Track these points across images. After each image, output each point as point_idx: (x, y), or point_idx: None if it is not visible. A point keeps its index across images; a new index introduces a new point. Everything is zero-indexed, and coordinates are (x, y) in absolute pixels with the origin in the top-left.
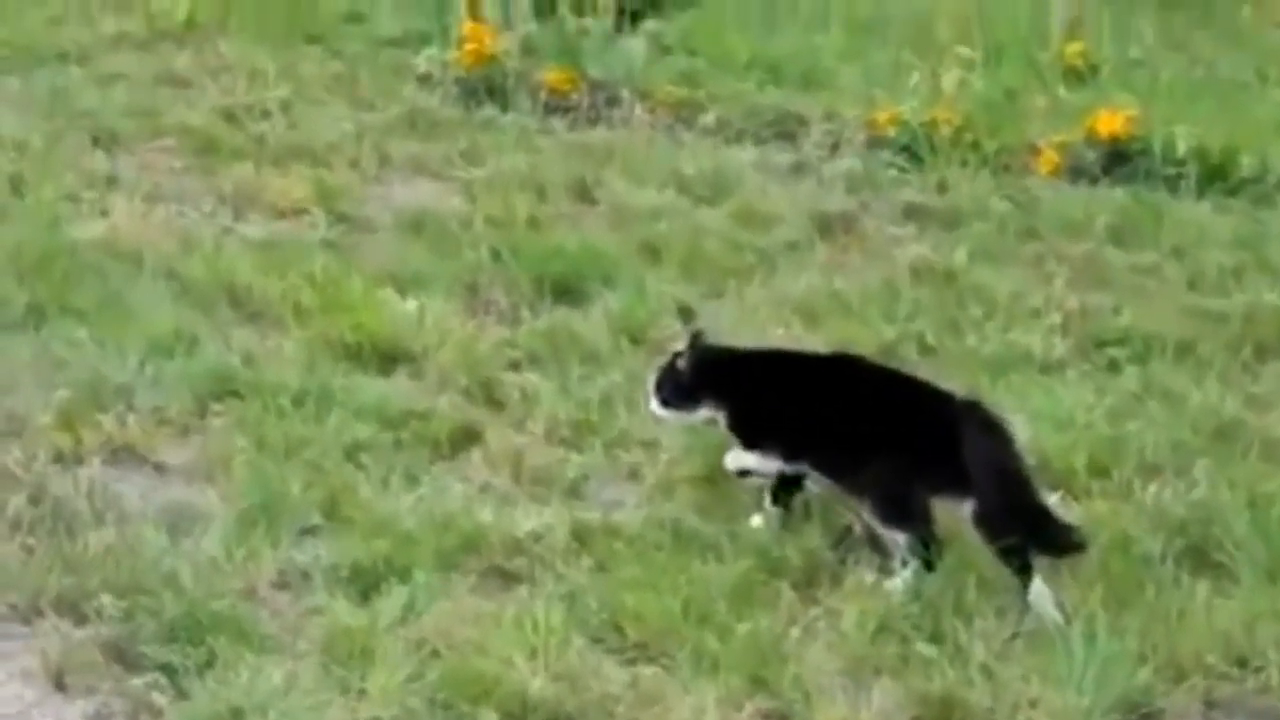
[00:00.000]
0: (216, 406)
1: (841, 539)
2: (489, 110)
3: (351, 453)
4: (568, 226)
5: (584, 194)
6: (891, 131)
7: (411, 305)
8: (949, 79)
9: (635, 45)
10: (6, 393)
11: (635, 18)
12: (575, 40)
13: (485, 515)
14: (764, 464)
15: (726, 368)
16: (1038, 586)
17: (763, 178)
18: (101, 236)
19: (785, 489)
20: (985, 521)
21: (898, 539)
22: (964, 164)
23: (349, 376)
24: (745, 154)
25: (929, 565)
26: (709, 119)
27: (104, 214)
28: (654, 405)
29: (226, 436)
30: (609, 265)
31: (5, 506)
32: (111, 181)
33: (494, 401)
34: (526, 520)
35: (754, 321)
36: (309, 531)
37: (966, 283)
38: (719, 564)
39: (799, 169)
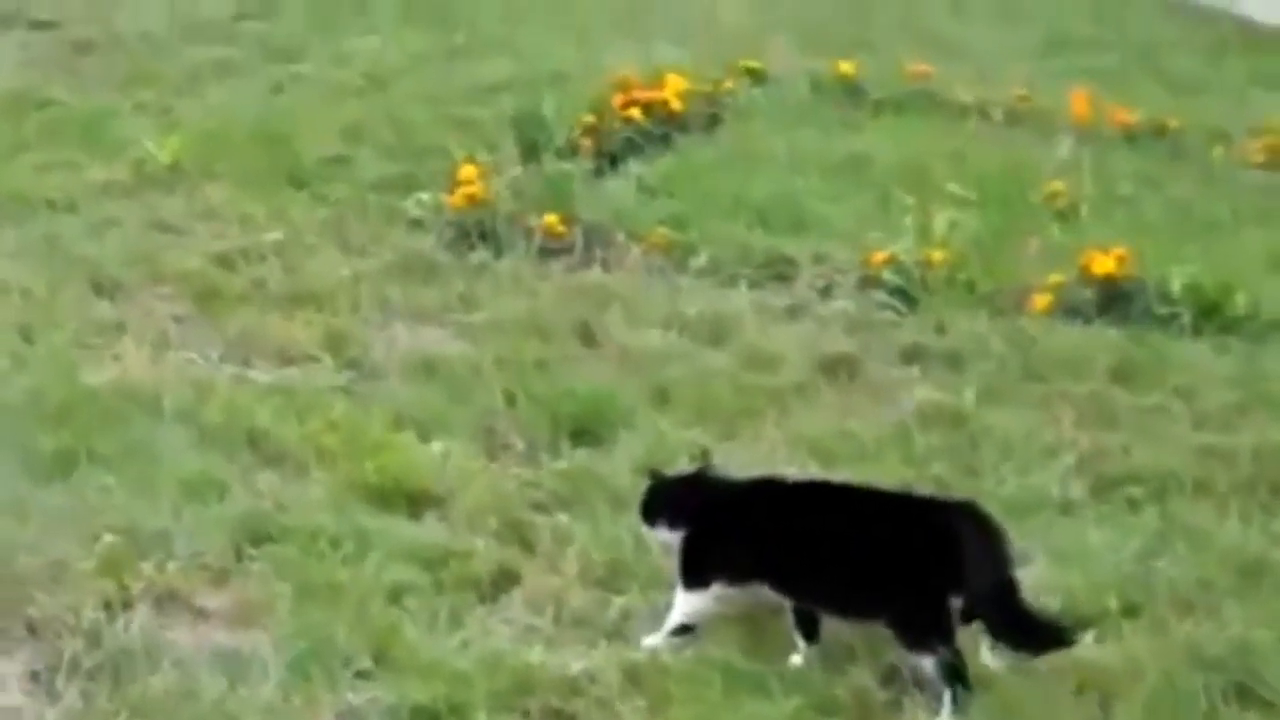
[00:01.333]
0: (252, 551)
1: (892, 676)
2: (482, 253)
3: (394, 595)
4: (575, 369)
5: (587, 337)
6: (884, 272)
7: (436, 448)
8: (941, 219)
9: (620, 188)
10: (44, 540)
11: (614, 161)
12: (560, 183)
13: (535, 656)
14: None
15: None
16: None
17: (761, 319)
18: (117, 383)
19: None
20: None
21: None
22: (960, 305)
23: (379, 519)
24: (741, 296)
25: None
26: (701, 261)
27: (115, 360)
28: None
29: (266, 581)
30: (621, 408)
31: (61, 654)
32: (118, 328)
33: (525, 543)
34: (577, 661)
35: (771, 463)
36: (361, 674)
37: (977, 424)
38: (770, 703)
39: (795, 311)
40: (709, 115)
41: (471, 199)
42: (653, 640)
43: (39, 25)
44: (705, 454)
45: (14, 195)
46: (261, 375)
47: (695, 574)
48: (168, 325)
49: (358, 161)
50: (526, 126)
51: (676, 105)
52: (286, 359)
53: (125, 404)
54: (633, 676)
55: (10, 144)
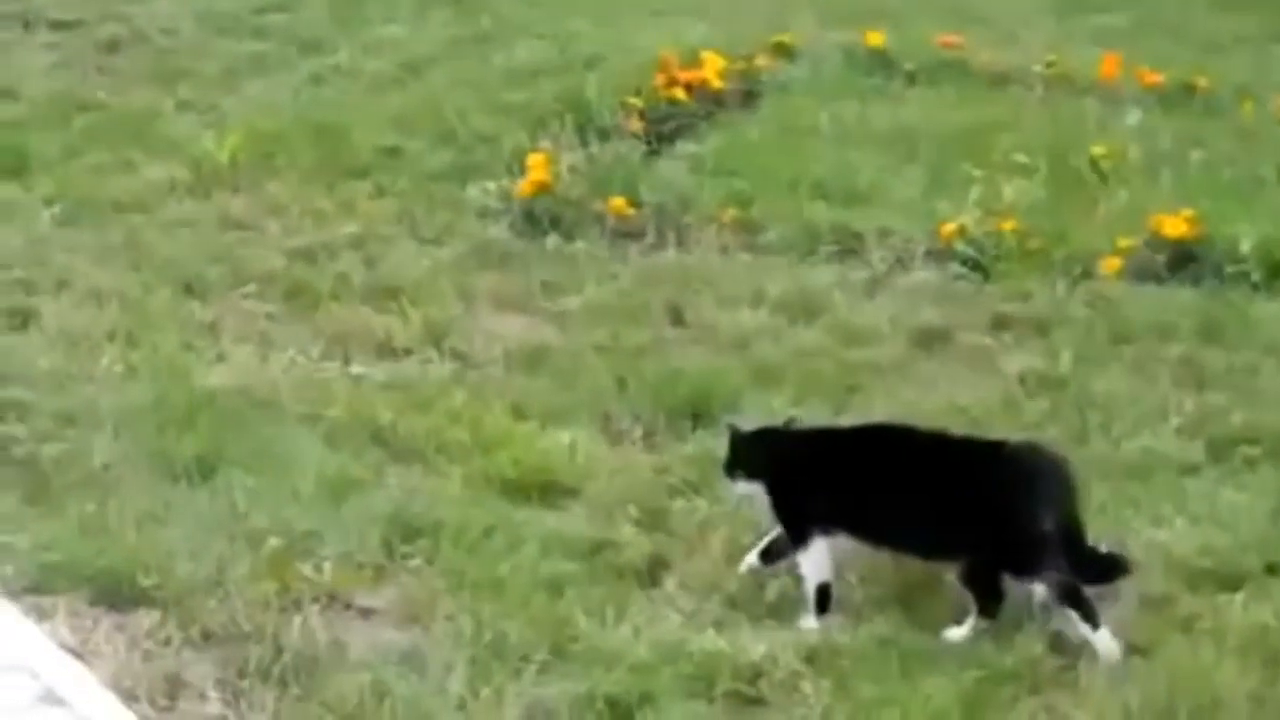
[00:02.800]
0: (405, 548)
1: (1062, 644)
2: (554, 240)
3: (555, 587)
4: (672, 352)
5: (677, 318)
6: (955, 243)
7: (565, 438)
8: (1007, 188)
9: (676, 168)
10: (200, 546)
11: (663, 141)
12: (620, 166)
13: (714, 642)
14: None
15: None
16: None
17: (845, 294)
18: (233, 385)
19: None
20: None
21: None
22: (1034, 272)
23: (521, 511)
24: (821, 271)
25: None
26: (770, 238)
27: (220, 361)
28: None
29: (424, 577)
30: (728, 389)
31: (248, 658)
32: (214, 329)
33: (668, 529)
34: (756, 645)
35: None
36: (542, 667)
37: (1078, 389)
38: (946, 678)
39: (875, 284)
40: (745, 92)
41: (538, 185)
42: (810, 622)
43: (61, 25)
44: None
45: (82, 199)
46: (368, 370)
47: (797, 531)
48: (264, 324)
49: (413, 151)
50: (572, 110)
51: (717, 84)
52: (387, 353)
53: (246, 406)
54: (811, 658)
55: (61, 147)
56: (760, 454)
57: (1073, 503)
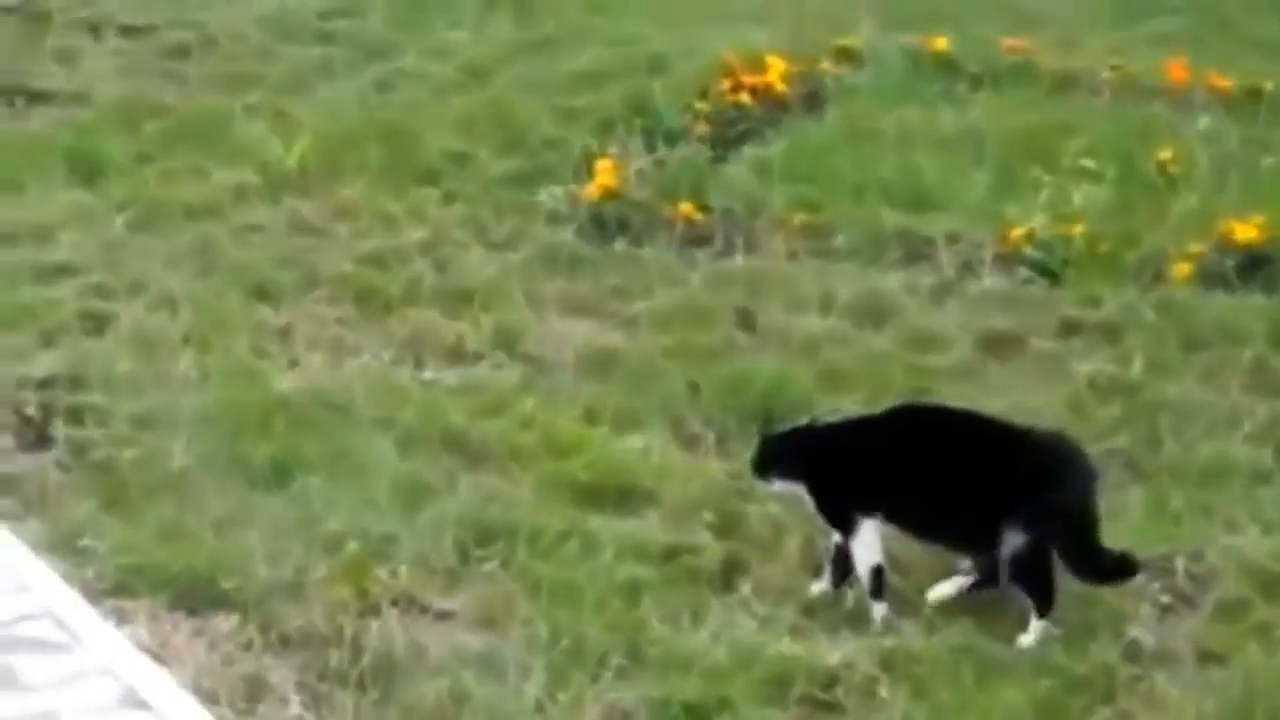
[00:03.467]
0: (479, 552)
1: (1136, 652)
2: (622, 244)
3: (630, 591)
4: (742, 357)
5: (747, 323)
6: (1023, 248)
7: (637, 442)
8: (1075, 192)
9: (743, 172)
10: (278, 549)
11: (728, 146)
12: (688, 171)
13: (790, 647)
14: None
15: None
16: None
17: (913, 299)
18: (307, 389)
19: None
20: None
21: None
22: (1103, 277)
23: (595, 516)
24: (889, 276)
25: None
26: (838, 242)
27: (293, 366)
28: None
29: (499, 582)
30: (798, 393)
31: (327, 661)
32: (286, 333)
33: (743, 534)
34: (832, 650)
35: None
36: (619, 672)
37: (1150, 395)
38: (1021, 686)
39: (943, 289)
40: (809, 96)
41: (606, 190)
42: (878, 611)
43: (130, 30)
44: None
45: (153, 204)
46: (440, 375)
47: (839, 520)
48: (335, 329)
49: (479, 156)
50: (638, 114)
51: (781, 88)
52: (458, 357)
53: (320, 410)
54: (887, 664)
55: (133, 153)
56: (796, 453)
57: (1086, 496)
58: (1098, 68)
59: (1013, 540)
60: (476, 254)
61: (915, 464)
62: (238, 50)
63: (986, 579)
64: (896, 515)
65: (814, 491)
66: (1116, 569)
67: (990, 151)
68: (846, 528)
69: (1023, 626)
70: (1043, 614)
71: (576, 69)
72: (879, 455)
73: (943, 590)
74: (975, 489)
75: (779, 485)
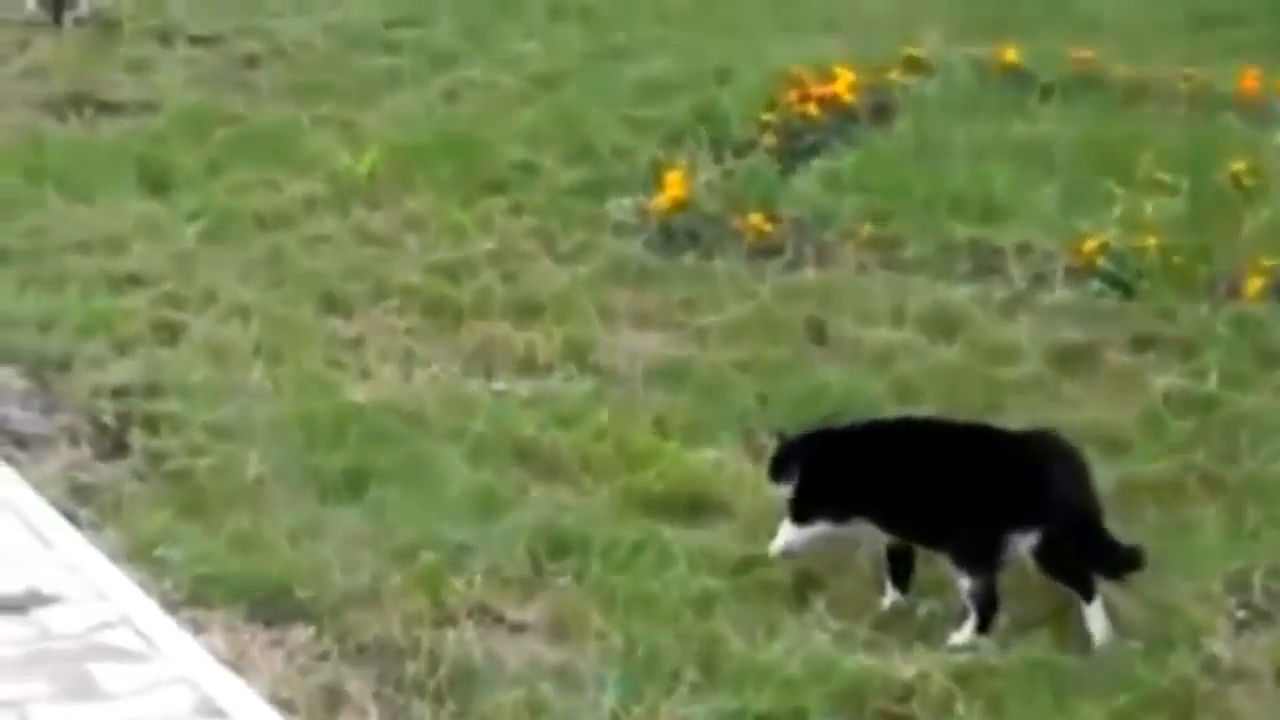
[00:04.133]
0: (552, 564)
1: (1214, 665)
2: (691, 256)
3: (704, 604)
4: (813, 369)
5: (817, 335)
6: (1096, 260)
7: (709, 454)
8: (1147, 204)
9: (812, 183)
10: (352, 559)
11: (797, 157)
12: (756, 182)
13: (863, 661)
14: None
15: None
16: (1094, 608)
17: (984, 311)
18: (379, 400)
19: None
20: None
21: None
22: (1177, 290)
23: (669, 528)
24: (960, 288)
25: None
26: (909, 254)
27: (364, 376)
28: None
29: (572, 593)
30: (870, 405)
31: (404, 671)
32: (357, 344)
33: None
34: (906, 665)
35: None
36: (693, 685)
37: (1227, 410)
38: (1098, 701)
39: (1015, 302)
40: (877, 106)
41: (675, 201)
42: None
43: (200, 40)
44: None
45: (225, 213)
46: (511, 386)
47: (801, 513)
48: (406, 340)
49: (547, 166)
50: (706, 125)
51: (849, 98)
52: (529, 369)
53: (393, 420)
54: (962, 679)
55: (204, 162)
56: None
57: (1086, 493)
58: (1169, 77)
59: (1025, 542)
60: (545, 265)
61: (909, 471)
62: (306, 60)
63: (986, 606)
64: (890, 520)
65: (796, 486)
66: (1125, 561)
67: (1061, 163)
68: (802, 520)
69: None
70: (1088, 598)
71: (644, 79)
72: (875, 461)
73: (1096, 630)
74: (974, 498)
75: (787, 489)
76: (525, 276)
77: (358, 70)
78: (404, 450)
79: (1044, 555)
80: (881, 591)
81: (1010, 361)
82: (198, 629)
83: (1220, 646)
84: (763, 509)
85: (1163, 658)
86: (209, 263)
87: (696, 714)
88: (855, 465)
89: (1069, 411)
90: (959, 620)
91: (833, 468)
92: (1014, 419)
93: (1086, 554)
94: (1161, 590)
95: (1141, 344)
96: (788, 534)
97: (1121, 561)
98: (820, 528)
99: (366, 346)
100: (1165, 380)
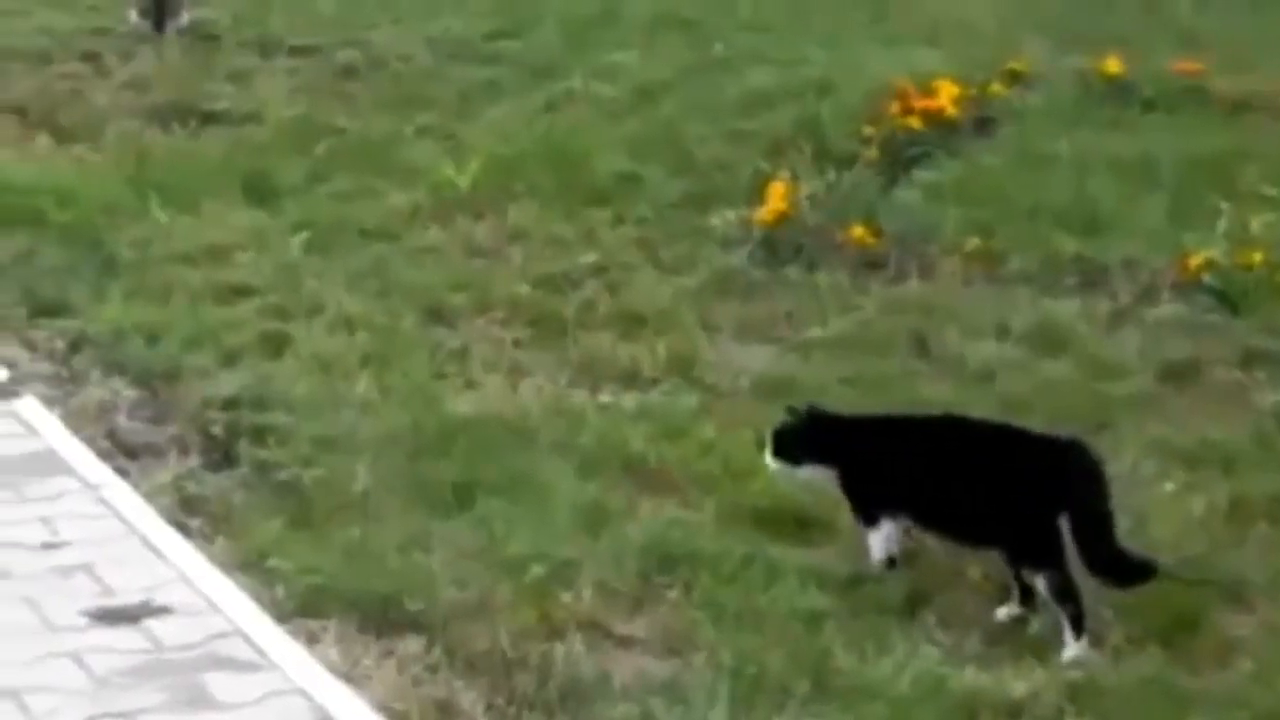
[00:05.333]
0: (661, 578)
1: None
2: (795, 269)
3: (813, 620)
4: (917, 384)
5: (922, 350)
6: (1202, 275)
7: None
8: (1256, 220)
9: (915, 196)
10: (461, 572)
11: (899, 170)
12: (859, 195)
13: (974, 677)
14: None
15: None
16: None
17: (1090, 327)
18: (485, 412)
19: None
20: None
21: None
22: None
23: (776, 544)
24: (1065, 303)
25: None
26: (1013, 268)
27: (470, 388)
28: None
29: (681, 608)
30: None
31: (514, 685)
32: (463, 355)
33: (923, 562)
34: (1017, 682)
35: (1137, 473)
36: (803, 700)
37: None
38: (1213, 718)
39: (1120, 317)
40: (980, 119)
41: (779, 214)
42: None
43: (299, 51)
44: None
45: (329, 224)
46: (618, 399)
47: (865, 515)
48: (511, 351)
49: (650, 178)
50: (808, 137)
51: (951, 111)
52: (634, 381)
53: (500, 433)
54: (1074, 696)
55: (307, 173)
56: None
57: (1103, 501)
58: (1274, 91)
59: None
60: (648, 277)
61: (938, 466)
62: (406, 71)
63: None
64: (921, 514)
65: (846, 484)
66: (1135, 571)
67: (1166, 177)
68: (870, 522)
69: (1219, 659)
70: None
71: (745, 91)
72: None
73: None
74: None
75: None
76: (628, 288)
77: (458, 81)
78: (511, 463)
79: None
80: (993, 605)
81: (1117, 377)
82: (310, 640)
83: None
84: None
85: (1272, 678)
86: (314, 274)
87: None
88: (895, 460)
89: (1177, 428)
90: (1063, 632)
91: (877, 463)
92: (1122, 435)
93: (1096, 560)
94: (1272, 610)
95: (1249, 360)
96: (874, 540)
97: (1132, 572)
98: (890, 524)
99: (472, 358)
100: (1274, 397)
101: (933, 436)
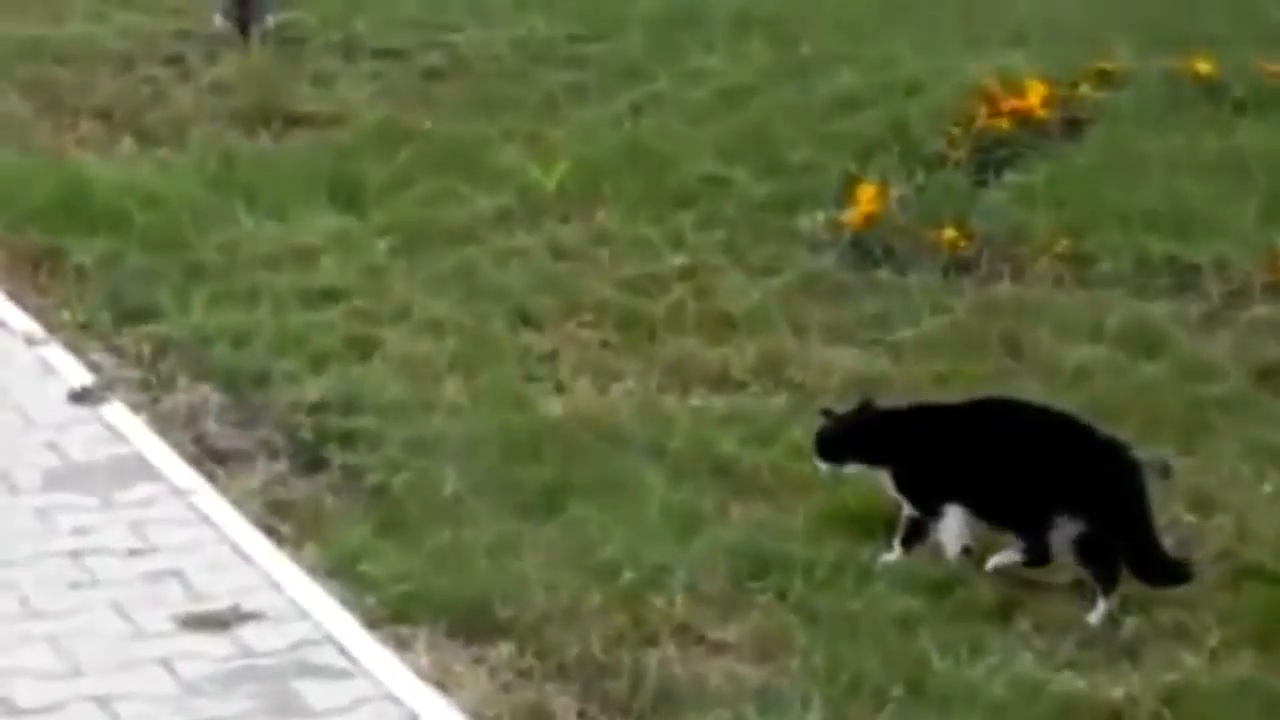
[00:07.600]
0: (753, 582)
1: None
2: (885, 270)
3: (907, 624)
4: (1010, 385)
5: (1014, 352)
6: None
7: None
8: None
9: (1005, 198)
10: (552, 576)
11: (989, 171)
12: (950, 197)
13: (1071, 682)
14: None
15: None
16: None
17: (1183, 328)
18: (575, 415)
19: None
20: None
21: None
22: None
23: (867, 547)
24: (1158, 305)
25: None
26: (1105, 269)
27: (559, 391)
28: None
29: (774, 612)
30: None
31: (607, 690)
32: (551, 358)
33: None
34: (1114, 686)
35: (1237, 478)
36: (899, 705)
37: None
38: None
39: (1213, 318)
40: (1069, 120)
41: (869, 216)
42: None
43: (383, 53)
44: (1166, 470)
45: (415, 229)
46: (708, 402)
47: (926, 505)
48: (600, 354)
49: (737, 180)
50: (896, 139)
51: (1041, 112)
52: (723, 384)
53: (589, 436)
54: (1171, 700)
55: (393, 176)
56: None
57: (1142, 503)
58: None
59: (1069, 528)
60: (737, 279)
61: (986, 450)
62: (490, 73)
63: (1037, 556)
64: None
65: (899, 477)
66: (1172, 573)
67: (1257, 177)
68: (933, 512)
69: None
70: (1107, 593)
71: (832, 93)
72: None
73: (999, 560)
74: (1032, 476)
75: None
76: (717, 291)
77: (542, 84)
78: (602, 466)
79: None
80: (1085, 608)
81: (1210, 379)
82: (400, 646)
83: None
84: None
85: None
86: (401, 277)
87: None
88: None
89: (1273, 429)
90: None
91: (928, 453)
92: (1218, 437)
93: (1133, 559)
94: None
95: None
96: (945, 536)
97: (1166, 573)
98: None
99: (560, 361)
100: None
101: (974, 422)
